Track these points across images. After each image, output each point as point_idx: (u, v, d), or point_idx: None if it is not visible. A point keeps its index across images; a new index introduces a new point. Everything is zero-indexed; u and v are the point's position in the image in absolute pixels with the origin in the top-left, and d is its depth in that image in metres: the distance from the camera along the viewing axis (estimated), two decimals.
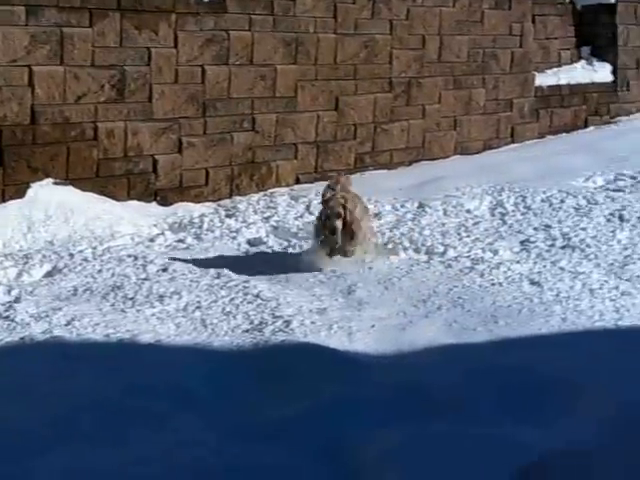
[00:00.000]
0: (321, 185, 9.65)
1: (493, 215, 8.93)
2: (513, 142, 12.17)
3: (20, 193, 7.85)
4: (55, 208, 7.93)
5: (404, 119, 10.82)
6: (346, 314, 6.21)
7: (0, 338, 5.82)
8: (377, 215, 8.73)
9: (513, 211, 9.00)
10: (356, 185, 9.26)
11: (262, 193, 9.53)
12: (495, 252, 7.62)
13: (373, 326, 5.97)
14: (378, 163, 10.62)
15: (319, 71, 9.86)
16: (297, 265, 7.29)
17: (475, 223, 8.61)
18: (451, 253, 7.62)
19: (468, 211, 9.00)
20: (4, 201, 7.77)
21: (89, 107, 8.18)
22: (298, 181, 9.88)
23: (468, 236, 8.13)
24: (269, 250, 7.87)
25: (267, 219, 8.66)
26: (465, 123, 11.53)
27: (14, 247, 7.58)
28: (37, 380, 5.01)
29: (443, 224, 8.54)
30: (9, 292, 6.59)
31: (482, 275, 7.07)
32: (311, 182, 9.89)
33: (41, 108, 7.88)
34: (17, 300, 6.46)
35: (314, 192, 9.42)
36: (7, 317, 6.14)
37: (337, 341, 5.71)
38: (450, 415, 4.49)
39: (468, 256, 7.55)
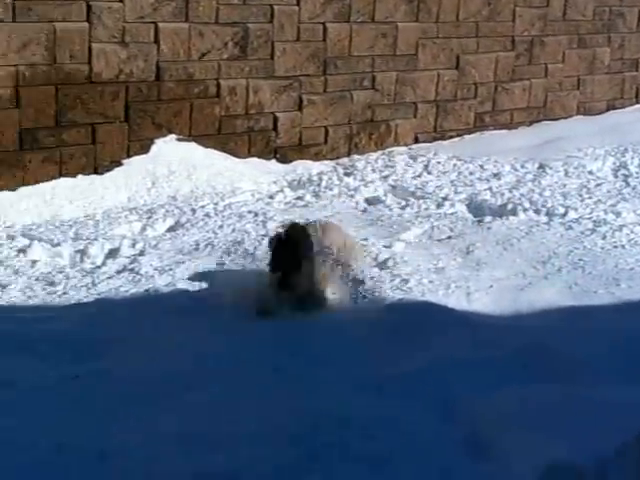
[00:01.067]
0: (440, 145, 9.65)
1: (616, 177, 8.77)
2: (638, 102, 11.89)
3: (144, 149, 8.02)
4: (178, 164, 8.08)
5: (526, 78, 10.66)
6: (464, 274, 6.20)
7: (125, 290, 6.00)
8: (496, 175, 8.66)
9: (637, 173, 8.83)
10: (475, 145, 9.23)
11: (380, 152, 9.53)
12: (618, 214, 7.50)
13: (491, 286, 5.96)
14: (498, 123, 10.50)
15: (440, 29, 9.77)
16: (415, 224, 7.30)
17: (597, 185, 8.48)
18: (572, 215, 7.52)
19: (590, 172, 8.85)
20: (129, 157, 7.94)
21: (212, 64, 8.28)
22: (417, 140, 9.84)
23: (590, 198, 8.01)
24: (387, 209, 7.88)
25: (385, 178, 8.66)
26: (589, 83, 11.30)
27: (138, 202, 7.76)
28: (161, 332, 5.14)
29: (564, 185, 8.43)
30: (134, 245, 6.75)
31: (604, 237, 6.97)
32: (430, 141, 9.85)
33: (166, 65, 8.01)
34: (141, 253, 6.62)
35: (433, 152, 9.39)
36: (132, 270, 6.31)
37: (455, 300, 5.72)
38: (569, 377, 4.46)
39: (590, 218, 7.44)
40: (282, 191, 8.25)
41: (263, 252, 6.54)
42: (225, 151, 8.43)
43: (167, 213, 7.51)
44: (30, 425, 4.05)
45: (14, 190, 7.30)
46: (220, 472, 3.62)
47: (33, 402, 4.28)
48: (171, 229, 7.26)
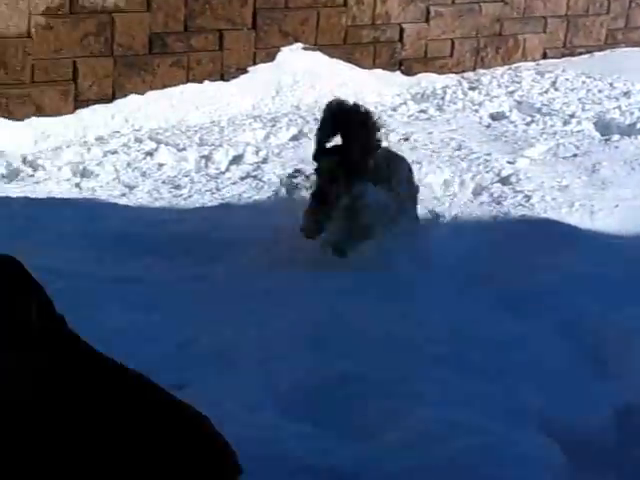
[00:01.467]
0: (569, 62, 9.42)
1: None
2: None
3: (270, 57, 8.04)
4: (302, 73, 8.09)
5: None
6: (589, 192, 6.12)
7: (248, 196, 6.10)
8: (626, 94, 8.45)
9: None
10: (605, 63, 8.98)
11: (507, 67, 9.36)
12: None
13: (616, 206, 5.87)
14: (630, 40, 10.19)
15: None
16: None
17: None
18: None
19: None
20: (255, 64, 7.98)
21: None
22: (545, 56, 9.63)
23: None
24: (512, 125, 7.77)
25: (511, 93, 8.52)
26: None
27: (263, 110, 7.81)
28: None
29: None
30: (257, 153, 6.83)
31: None
32: (558, 58, 9.62)
33: None
34: (265, 161, 6.70)
35: (561, 68, 9.19)
36: (255, 177, 6.41)
37: (578, 219, 5.66)
38: None
39: None
40: (405, 104, 8.21)
41: None
42: (350, 61, 8.40)
43: (290, 122, 7.55)
44: (155, 319, 4.21)
45: (142, 94, 7.42)
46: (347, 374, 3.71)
47: (159, 298, 4.44)
48: (294, 138, 7.30)
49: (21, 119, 6.85)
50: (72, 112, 7.11)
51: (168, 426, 2.60)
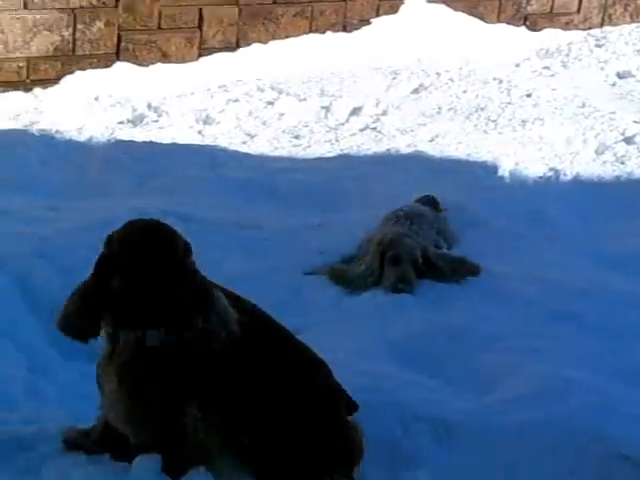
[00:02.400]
0: None
1: None
2: None
3: (393, 9, 8.00)
4: (425, 26, 8.01)
5: None
6: None
7: (367, 147, 6.11)
8: None
9: None
10: None
11: (635, 25, 9.12)
12: None
13: None
14: None
15: None
16: None
17: None
18: None
19: None
20: (377, 16, 7.95)
21: None
22: None
23: None
24: (638, 84, 7.59)
25: (639, 52, 8.31)
26: None
27: (384, 62, 7.78)
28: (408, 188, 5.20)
29: None
30: (377, 105, 6.82)
31: None
32: None
33: None
34: (384, 113, 6.69)
35: None
36: (375, 129, 6.41)
37: None
38: None
39: None
40: (529, 59, 8.08)
41: (506, 120, 6.53)
42: (474, 15, 8.29)
43: (411, 75, 7.52)
44: (272, 265, 4.29)
45: (265, 43, 7.46)
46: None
47: (277, 245, 4.50)
48: (415, 91, 7.26)
49: (147, 65, 6.96)
50: (196, 59, 7.19)
51: (297, 361, 2.73)
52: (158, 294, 2.53)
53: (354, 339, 3.71)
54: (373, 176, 5.57)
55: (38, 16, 6.45)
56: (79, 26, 6.64)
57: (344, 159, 5.89)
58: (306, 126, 6.47)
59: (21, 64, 6.48)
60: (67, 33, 6.60)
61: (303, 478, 2.70)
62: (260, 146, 6.11)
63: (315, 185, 5.35)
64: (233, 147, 6.01)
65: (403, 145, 6.13)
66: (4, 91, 6.37)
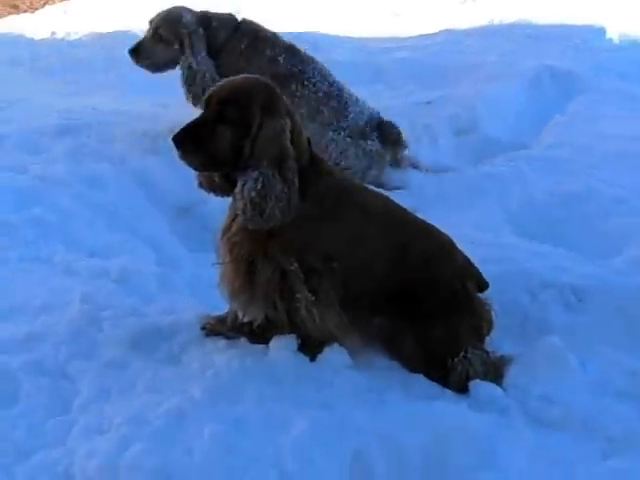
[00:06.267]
0: None
1: None
2: None
3: None
4: None
5: None
6: None
7: (469, 20, 6.04)
8: None
9: None
10: None
11: None
12: None
13: None
14: None
15: None
16: None
17: None
18: None
19: None
20: None
21: None
22: None
23: None
24: None
25: None
26: None
27: None
28: (512, 57, 5.09)
29: None
30: None
31: None
32: None
33: None
34: None
35: None
36: (475, 0, 6.28)
37: None
38: None
39: None
40: None
41: None
42: None
43: None
44: None
45: None
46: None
47: None
48: None
49: None
50: None
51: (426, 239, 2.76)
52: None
53: (473, 211, 3.71)
54: (477, 48, 5.50)
55: None
56: None
57: (446, 34, 5.82)
58: (405, 2, 6.38)
59: None
60: None
61: (434, 354, 2.73)
62: (361, 27, 6.06)
63: (419, 62, 5.30)
64: (334, 30, 5.97)
65: (505, 14, 6.01)
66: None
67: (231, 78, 2.70)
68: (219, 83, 2.68)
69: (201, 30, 4.06)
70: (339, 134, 3.89)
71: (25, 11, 6.25)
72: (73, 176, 3.85)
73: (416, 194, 3.84)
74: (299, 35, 5.85)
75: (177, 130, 2.61)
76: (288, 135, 2.57)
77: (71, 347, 2.77)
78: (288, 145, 2.56)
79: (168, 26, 4.08)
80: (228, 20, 4.16)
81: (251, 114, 2.54)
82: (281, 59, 4.14)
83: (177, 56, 4.10)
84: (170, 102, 4.70)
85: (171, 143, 2.60)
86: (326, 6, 6.38)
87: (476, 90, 4.78)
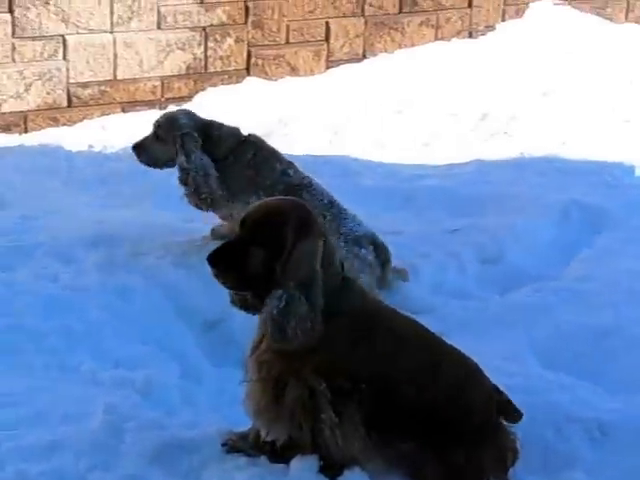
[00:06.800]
0: None
1: None
2: None
3: (519, 13, 7.97)
4: (553, 28, 7.94)
5: None
6: None
7: (499, 151, 6.12)
8: None
9: None
10: None
11: None
12: None
13: None
14: None
15: None
16: None
17: None
18: None
19: None
20: (503, 20, 7.92)
21: None
22: None
23: None
24: None
25: None
26: None
27: (510, 66, 7.69)
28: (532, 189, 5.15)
29: None
30: (506, 109, 6.78)
31: None
32: None
33: None
34: (514, 117, 6.69)
35: None
36: (505, 133, 6.42)
37: None
38: None
39: None
40: None
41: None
42: (601, 16, 8.18)
43: (539, 78, 7.36)
44: (417, 263, 4.32)
45: (391, 53, 7.50)
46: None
47: (418, 249, 4.53)
48: (544, 94, 7.13)
49: (276, 79, 7.07)
50: (324, 72, 7.27)
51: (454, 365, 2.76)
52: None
53: (498, 340, 3.72)
54: (506, 180, 5.56)
55: (171, 35, 6.62)
56: (210, 44, 6.79)
57: (476, 164, 5.89)
58: (436, 133, 6.48)
59: (156, 83, 6.65)
60: (199, 51, 6.75)
61: None
62: (391, 154, 6.15)
63: (449, 190, 5.37)
64: (365, 156, 6.06)
65: (535, 148, 6.10)
66: (140, 109, 6.54)
67: (267, 200, 2.77)
68: (255, 204, 2.74)
69: (196, 133, 4.24)
70: (337, 238, 3.96)
71: (64, 124, 6.38)
72: (103, 287, 3.91)
73: (440, 319, 3.85)
74: (330, 159, 5.96)
75: (212, 249, 2.66)
76: (319, 258, 2.60)
77: (92, 457, 2.78)
78: (317, 268, 2.60)
79: (166, 127, 4.29)
80: (233, 130, 4.38)
81: (284, 236, 2.59)
82: (291, 172, 4.31)
83: (173, 156, 4.28)
84: (199, 216, 4.76)
85: (206, 262, 2.65)
86: (357, 131, 6.49)
87: (504, 220, 4.83)
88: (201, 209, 4.32)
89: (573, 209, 4.92)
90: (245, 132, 4.42)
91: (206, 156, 4.22)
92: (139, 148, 4.36)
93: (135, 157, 4.40)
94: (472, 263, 4.52)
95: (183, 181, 4.24)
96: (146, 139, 4.35)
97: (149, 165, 4.41)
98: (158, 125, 4.32)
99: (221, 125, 4.40)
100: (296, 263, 2.56)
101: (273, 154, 4.38)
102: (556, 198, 5.00)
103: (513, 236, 4.66)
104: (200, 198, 4.21)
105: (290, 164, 4.37)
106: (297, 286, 2.56)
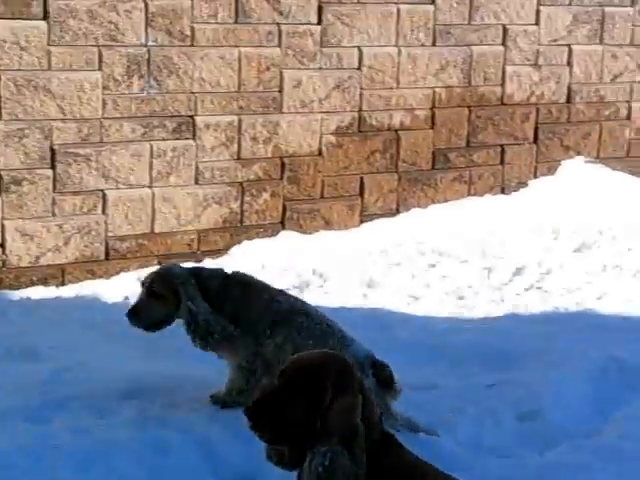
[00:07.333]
0: None
1: None
2: None
3: (551, 170, 8.08)
4: (585, 186, 8.04)
5: None
6: None
7: (534, 306, 6.11)
8: None
9: None
10: None
11: None
12: None
13: None
14: None
15: None
16: None
17: None
18: None
19: None
20: (535, 177, 8.03)
21: (624, 86, 8.20)
22: None
23: None
24: None
25: None
26: None
27: (543, 222, 7.80)
28: (575, 346, 5.13)
29: None
30: (540, 265, 6.83)
31: None
32: None
33: (577, 87, 8.04)
34: (548, 272, 6.70)
35: None
36: (540, 288, 6.41)
37: None
38: None
39: None
40: None
41: None
42: (634, 174, 8.28)
43: (573, 234, 7.48)
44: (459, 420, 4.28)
45: (424, 208, 7.60)
46: None
47: (452, 402, 4.48)
48: (577, 250, 7.23)
49: (310, 233, 7.16)
50: (358, 225, 7.36)
51: None
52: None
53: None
54: (541, 334, 5.53)
55: (208, 190, 6.75)
56: (246, 198, 6.91)
57: (511, 318, 5.89)
58: (470, 287, 6.51)
59: (192, 236, 6.75)
60: (235, 205, 6.87)
61: None
62: (425, 308, 6.16)
63: (484, 345, 5.34)
64: (399, 309, 6.07)
65: (570, 304, 6.10)
66: (177, 262, 6.61)
67: (306, 352, 2.77)
68: (294, 356, 2.74)
69: (193, 280, 4.25)
70: None
71: (101, 277, 6.45)
72: (135, 441, 3.89)
73: (479, 477, 3.78)
74: (364, 312, 5.97)
75: (250, 402, 2.65)
76: (359, 412, 2.60)
77: None
78: (358, 422, 2.59)
79: (161, 281, 4.27)
80: (218, 271, 4.43)
81: (323, 389, 2.58)
82: (281, 299, 4.32)
83: (173, 309, 4.26)
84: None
85: (243, 415, 2.64)
86: (390, 284, 6.52)
87: (541, 376, 4.79)
88: (209, 349, 4.29)
89: (611, 366, 4.86)
90: (229, 271, 4.44)
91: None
92: (136, 312, 4.26)
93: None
94: (509, 419, 4.45)
95: (193, 326, 4.20)
96: (140, 301, 4.29)
97: (149, 327, 4.30)
98: (151, 282, 4.27)
99: (204, 268, 4.52)
100: (336, 418, 2.55)
101: (258, 286, 4.38)
102: (593, 354, 4.96)
103: (550, 392, 4.60)
104: (213, 337, 4.20)
105: (279, 292, 4.39)
106: (339, 441, 2.54)
